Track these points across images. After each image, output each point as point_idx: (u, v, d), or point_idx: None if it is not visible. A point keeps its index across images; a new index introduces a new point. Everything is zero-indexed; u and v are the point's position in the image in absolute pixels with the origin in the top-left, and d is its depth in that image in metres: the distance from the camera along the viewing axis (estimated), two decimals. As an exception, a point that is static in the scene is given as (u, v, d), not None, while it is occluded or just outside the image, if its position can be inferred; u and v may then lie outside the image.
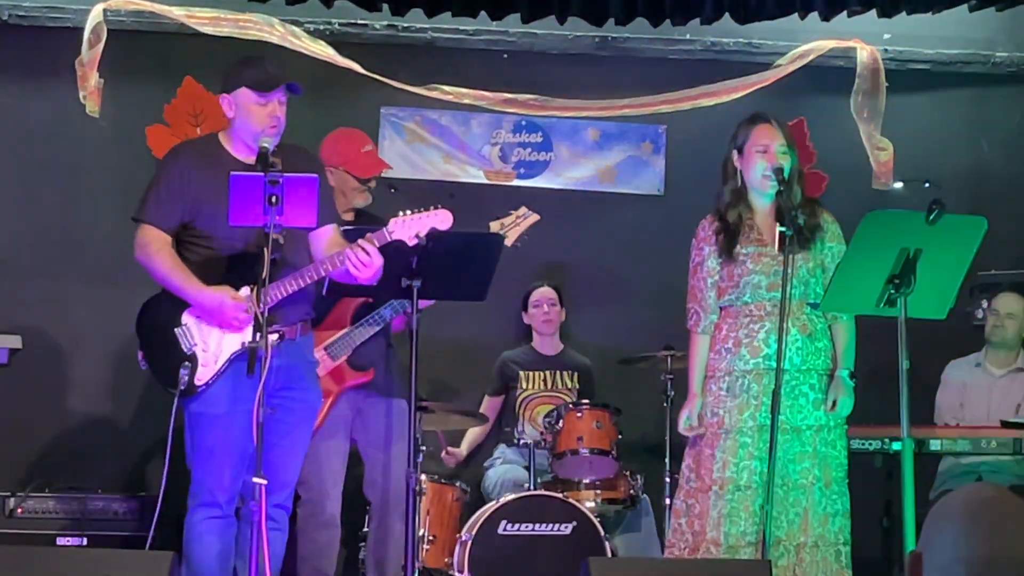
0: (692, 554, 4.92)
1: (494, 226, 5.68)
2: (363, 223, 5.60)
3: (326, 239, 4.79)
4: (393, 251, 4.61)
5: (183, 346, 4.65)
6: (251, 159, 4.69)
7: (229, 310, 4.58)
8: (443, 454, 6.49)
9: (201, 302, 4.61)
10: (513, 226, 5.69)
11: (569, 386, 6.70)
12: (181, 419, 4.68)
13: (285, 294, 4.57)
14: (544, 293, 6.76)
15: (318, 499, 5.45)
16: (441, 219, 4.64)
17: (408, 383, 4.87)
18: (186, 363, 4.60)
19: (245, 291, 4.58)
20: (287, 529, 4.93)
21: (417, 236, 4.62)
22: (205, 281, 4.62)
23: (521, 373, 6.70)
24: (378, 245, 4.56)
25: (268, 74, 4.72)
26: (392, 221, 4.62)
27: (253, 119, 4.69)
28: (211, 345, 4.64)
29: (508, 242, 5.70)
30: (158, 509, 4.69)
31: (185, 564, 4.64)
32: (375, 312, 5.54)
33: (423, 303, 5.36)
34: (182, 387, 4.57)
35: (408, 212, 4.64)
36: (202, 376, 4.62)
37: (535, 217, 5.72)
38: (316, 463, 5.35)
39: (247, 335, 4.48)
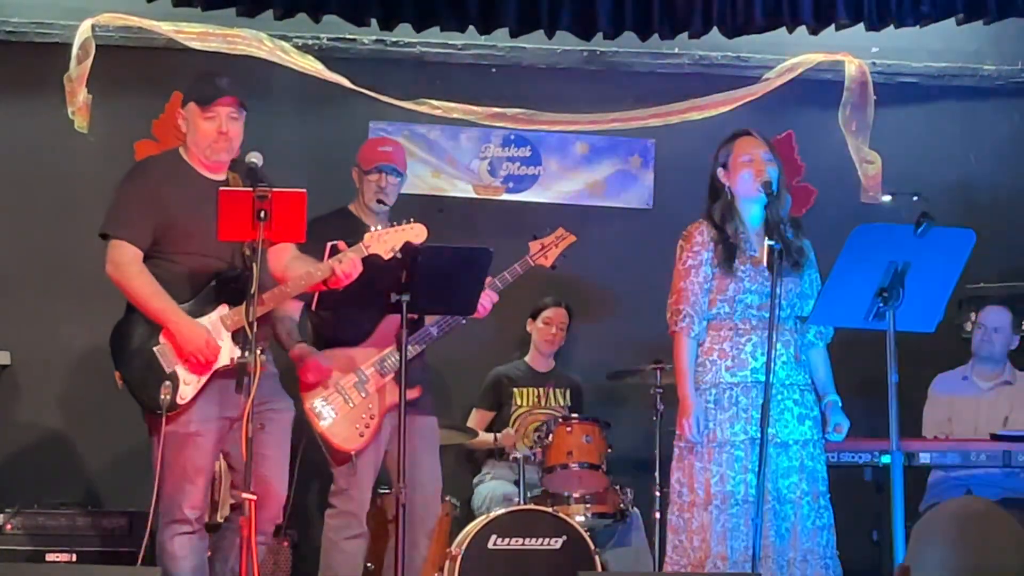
0: (696, 570, 4.87)
1: (534, 246, 5.70)
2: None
3: (286, 256, 4.79)
4: (382, 266, 4.62)
5: (163, 365, 4.63)
6: (215, 175, 4.76)
7: (204, 348, 4.58)
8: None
9: (180, 331, 4.59)
10: (552, 246, 5.71)
11: (562, 403, 6.69)
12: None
13: (267, 310, 4.57)
14: (559, 314, 6.75)
15: (354, 510, 5.41)
16: (415, 233, 4.66)
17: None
18: (167, 382, 4.59)
19: (220, 311, 4.59)
20: (270, 541, 4.97)
21: (392, 250, 4.64)
22: (174, 299, 4.64)
23: (515, 390, 6.70)
24: None
25: (213, 88, 4.73)
26: (367, 236, 4.66)
27: (200, 133, 4.72)
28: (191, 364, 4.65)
29: (547, 263, 5.73)
30: (149, 523, 4.69)
31: None
32: (423, 329, 5.48)
33: (456, 320, 5.47)
34: (163, 407, 4.55)
35: (380, 227, 4.70)
36: (184, 394, 4.62)
37: (572, 238, 5.79)
38: (359, 477, 5.35)
39: (231, 351, 4.51)
